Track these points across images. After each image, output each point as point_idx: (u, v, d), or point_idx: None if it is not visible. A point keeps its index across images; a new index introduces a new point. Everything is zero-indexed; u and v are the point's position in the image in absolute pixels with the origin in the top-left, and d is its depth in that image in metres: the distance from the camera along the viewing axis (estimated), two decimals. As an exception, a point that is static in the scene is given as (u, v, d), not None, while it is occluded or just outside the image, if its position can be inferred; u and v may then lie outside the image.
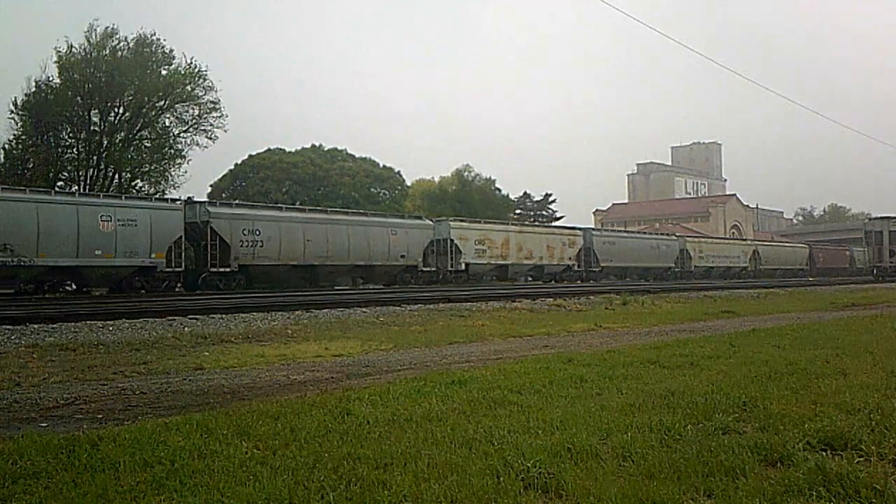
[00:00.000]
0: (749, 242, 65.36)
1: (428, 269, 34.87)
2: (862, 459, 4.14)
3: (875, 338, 10.57)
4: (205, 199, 37.46)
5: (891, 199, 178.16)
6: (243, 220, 28.53)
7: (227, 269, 27.56)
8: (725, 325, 14.52)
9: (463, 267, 36.07)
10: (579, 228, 46.99)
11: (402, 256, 33.45)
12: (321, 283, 31.52)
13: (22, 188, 25.88)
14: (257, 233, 28.41)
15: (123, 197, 28.85)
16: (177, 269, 26.53)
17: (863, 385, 6.27)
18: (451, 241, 35.77)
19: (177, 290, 27.24)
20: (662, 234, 59.06)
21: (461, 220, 39.30)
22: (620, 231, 56.95)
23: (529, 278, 41.63)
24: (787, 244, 71.24)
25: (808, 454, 4.19)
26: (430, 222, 36.70)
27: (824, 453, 4.24)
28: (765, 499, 3.53)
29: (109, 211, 24.74)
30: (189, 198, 31.89)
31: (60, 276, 24.75)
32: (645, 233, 59.49)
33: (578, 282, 40.85)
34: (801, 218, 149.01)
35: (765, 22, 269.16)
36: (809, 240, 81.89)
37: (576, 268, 42.90)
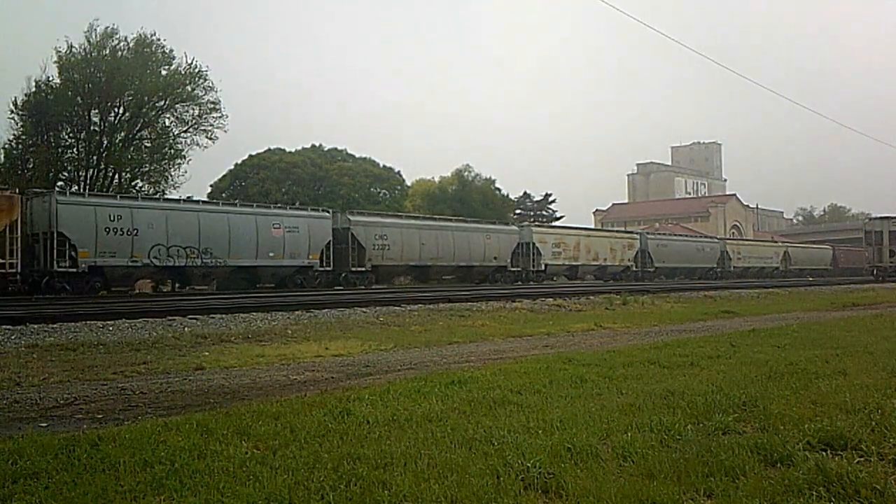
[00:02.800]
0: (780, 244, 68.04)
1: (515, 269, 39.18)
2: (862, 459, 4.15)
3: (875, 338, 10.58)
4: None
5: (891, 199, 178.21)
6: (375, 226, 33.13)
7: (363, 269, 32.00)
8: (725, 325, 14.53)
9: (543, 267, 40.39)
10: (636, 233, 51.27)
11: (495, 258, 38.13)
12: (430, 280, 36.84)
13: (215, 201, 32.28)
14: (385, 237, 32.93)
15: (288, 207, 32.65)
16: (326, 269, 30.80)
17: (863, 385, 6.28)
18: (533, 244, 40.14)
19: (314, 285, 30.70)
20: (706, 236, 63.40)
21: (541, 226, 45.02)
22: (671, 235, 60.16)
23: (593, 277, 45.25)
24: (812, 246, 74.15)
25: (808, 454, 4.19)
26: (517, 228, 41.58)
27: (824, 453, 4.25)
28: (765, 499, 3.54)
29: (278, 220, 29.45)
30: (327, 209, 34.96)
31: (242, 275, 29.02)
32: (689, 236, 62.64)
33: (634, 280, 44.48)
34: (801, 218, 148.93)
35: (765, 22, 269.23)
36: (829, 240, 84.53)
37: (633, 268, 46.71)
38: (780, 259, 62.36)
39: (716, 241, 57.87)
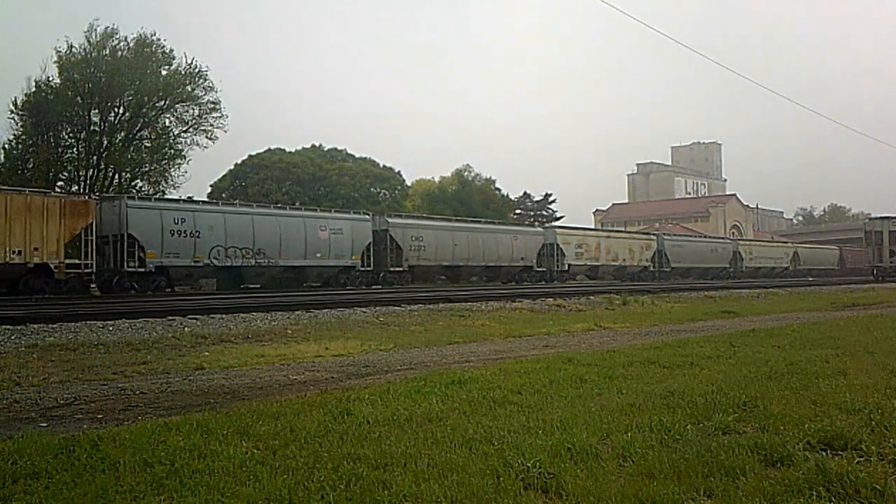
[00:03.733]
0: (790, 245, 69.23)
1: (540, 269, 40.78)
2: (862, 459, 4.14)
3: (875, 338, 10.58)
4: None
5: (891, 199, 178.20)
6: (411, 228, 34.86)
7: (401, 269, 33.64)
8: (725, 325, 14.53)
9: (566, 267, 42.09)
10: (653, 234, 53.14)
11: (522, 258, 39.78)
12: (461, 280, 38.36)
13: (266, 205, 33.39)
14: (421, 239, 34.67)
15: (333, 211, 34.37)
16: (367, 269, 32.34)
17: (863, 385, 6.28)
18: (557, 245, 41.78)
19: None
20: (719, 237, 66.00)
21: (565, 228, 46.35)
22: (687, 236, 62.38)
23: (612, 277, 46.37)
24: (820, 246, 75.38)
25: (808, 454, 4.19)
26: (542, 229, 43.51)
27: (824, 453, 4.25)
28: (765, 499, 3.54)
29: (324, 222, 31.07)
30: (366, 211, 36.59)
31: (291, 274, 30.46)
32: (703, 237, 64.33)
33: (651, 280, 45.90)
34: (801, 218, 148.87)
35: (765, 22, 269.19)
36: (829, 240, 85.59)
37: (651, 268, 48.35)
38: (789, 259, 63.86)
39: (728, 241, 59.72)
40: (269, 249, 28.58)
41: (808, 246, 72.01)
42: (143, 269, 25.02)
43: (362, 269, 32.09)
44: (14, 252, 21.91)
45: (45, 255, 22.61)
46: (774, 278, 53.21)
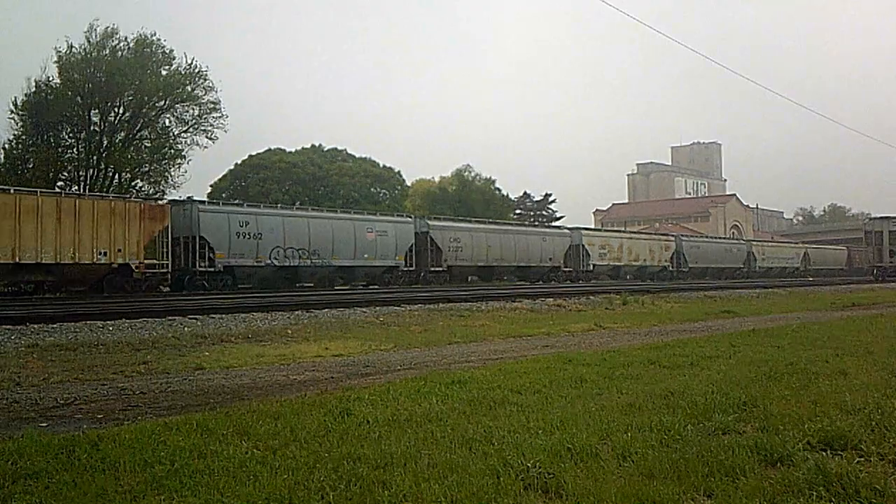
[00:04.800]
0: (800, 245, 71.43)
1: (567, 269, 42.68)
2: (862, 459, 4.14)
3: (875, 338, 10.58)
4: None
5: (891, 199, 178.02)
6: (450, 230, 36.84)
7: (440, 269, 35.61)
8: (725, 325, 14.52)
9: (591, 268, 44.04)
10: (672, 235, 55.49)
11: (550, 259, 41.75)
12: (493, 279, 40.06)
13: (320, 208, 36.40)
14: (458, 240, 36.60)
15: (378, 214, 36.36)
16: (410, 269, 34.26)
17: (863, 385, 6.28)
18: (583, 246, 43.72)
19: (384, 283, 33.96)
20: (733, 238, 67.93)
21: (590, 230, 48.96)
22: (704, 237, 64.85)
23: (632, 277, 48.20)
24: (829, 247, 76.70)
25: (808, 454, 4.19)
26: (568, 231, 45.17)
27: (824, 453, 4.24)
28: (765, 499, 3.53)
29: (371, 225, 32.99)
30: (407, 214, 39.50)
31: (341, 274, 32.73)
32: (718, 238, 67.05)
33: (670, 279, 47.74)
34: (800, 218, 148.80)
35: (765, 22, 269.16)
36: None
37: (669, 268, 50.21)
38: (800, 259, 65.62)
39: (742, 242, 61.74)
40: (323, 250, 30.58)
41: (817, 246, 73.56)
42: (212, 269, 26.94)
43: (405, 268, 33.92)
44: (100, 253, 23.92)
45: (127, 256, 24.64)
46: (786, 277, 55.19)
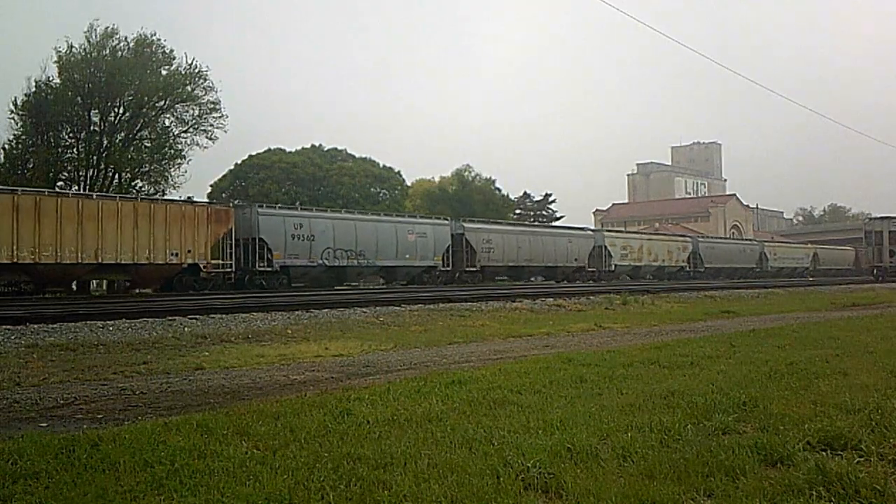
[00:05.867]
0: (810, 246, 72.45)
1: (591, 269, 44.31)
2: (862, 459, 4.14)
3: (875, 338, 10.58)
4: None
5: (891, 199, 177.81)
6: (483, 232, 38.57)
7: (474, 269, 37.31)
8: (725, 325, 14.52)
9: (613, 268, 45.67)
10: (689, 236, 57.60)
11: (576, 259, 43.65)
12: (522, 279, 41.58)
13: (365, 211, 37.93)
14: (490, 242, 38.28)
15: (419, 216, 38.92)
16: (447, 269, 36.04)
17: (863, 385, 6.28)
18: (605, 247, 45.37)
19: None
20: (748, 239, 70.31)
21: (612, 232, 51.05)
22: (719, 238, 67.59)
23: (651, 276, 49.66)
24: (837, 248, 77.97)
25: (808, 454, 4.19)
26: (592, 232, 47.67)
27: (824, 453, 4.24)
28: (765, 499, 3.53)
29: (411, 227, 34.83)
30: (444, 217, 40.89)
31: (383, 274, 34.82)
32: (733, 239, 69.20)
33: (687, 279, 48.79)
34: (800, 218, 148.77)
35: (765, 22, 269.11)
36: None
37: (686, 268, 52.00)
38: (810, 259, 67.43)
39: (755, 243, 63.77)
40: (368, 251, 32.34)
41: (826, 247, 75.19)
42: (270, 269, 28.65)
43: (443, 268, 35.75)
44: (172, 254, 25.60)
45: (196, 256, 26.29)
46: (797, 277, 56.95)
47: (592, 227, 49.88)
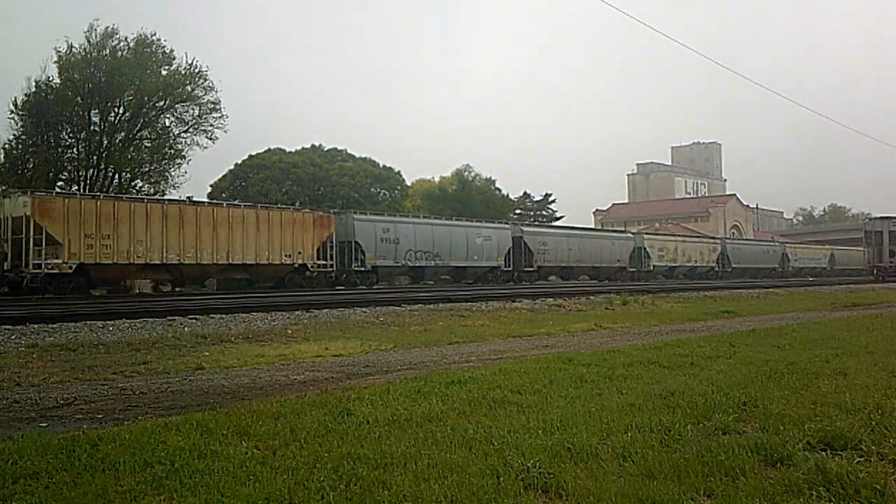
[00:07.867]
0: (827, 247, 75.54)
1: (632, 269, 46.87)
2: (862, 459, 4.14)
3: (875, 338, 10.58)
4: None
5: (891, 199, 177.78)
6: (539, 235, 41.97)
7: (532, 269, 40.06)
8: (725, 325, 14.52)
9: (651, 268, 48.58)
10: (718, 238, 61.30)
11: (618, 260, 46.40)
12: (571, 279, 44.48)
13: (439, 216, 42.27)
14: (545, 244, 41.38)
15: (484, 221, 41.71)
16: (507, 269, 38.59)
17: (863, 385, 6.28)
18: (644, 249, 48.40)
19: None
20: (769, 240, 73.11)
21: (650, 234, 54.90)
22: (745, 239, 72.38)
23: (684, 276, 51.81)
24: (853, 248, 79.47)
25: (808, 454, 4.19)
26: (632, 235, 50.40)
27: (824, 453, 4.25)
28: (765, 499, 3.54)
29: (479, 231, 37.92)
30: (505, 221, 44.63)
31: (455, 273, 37.58)
32: (757, 241, 72.70)
33: (715, 278, 51.01)
34: (800, 218, 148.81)
35: (765, 22, 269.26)
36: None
37: (716, 268, 54.64)
38: (827, 260, 70.74)
39: (777, 244, 67.09)
40: (443, 253, 35.37)
41: (841, 248, 77.60)
42: (363, 269, 31.87)
43: (504, 269, 38.30)
44: (286, 255, 28.83)
45: (305, 258, 29.48)
46: (815, 276, 58.36)
47: (633, 231, 53.18)
